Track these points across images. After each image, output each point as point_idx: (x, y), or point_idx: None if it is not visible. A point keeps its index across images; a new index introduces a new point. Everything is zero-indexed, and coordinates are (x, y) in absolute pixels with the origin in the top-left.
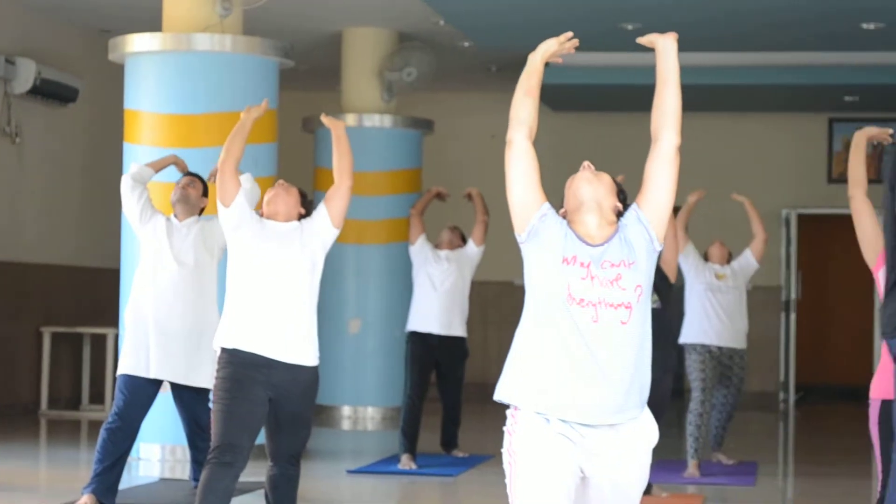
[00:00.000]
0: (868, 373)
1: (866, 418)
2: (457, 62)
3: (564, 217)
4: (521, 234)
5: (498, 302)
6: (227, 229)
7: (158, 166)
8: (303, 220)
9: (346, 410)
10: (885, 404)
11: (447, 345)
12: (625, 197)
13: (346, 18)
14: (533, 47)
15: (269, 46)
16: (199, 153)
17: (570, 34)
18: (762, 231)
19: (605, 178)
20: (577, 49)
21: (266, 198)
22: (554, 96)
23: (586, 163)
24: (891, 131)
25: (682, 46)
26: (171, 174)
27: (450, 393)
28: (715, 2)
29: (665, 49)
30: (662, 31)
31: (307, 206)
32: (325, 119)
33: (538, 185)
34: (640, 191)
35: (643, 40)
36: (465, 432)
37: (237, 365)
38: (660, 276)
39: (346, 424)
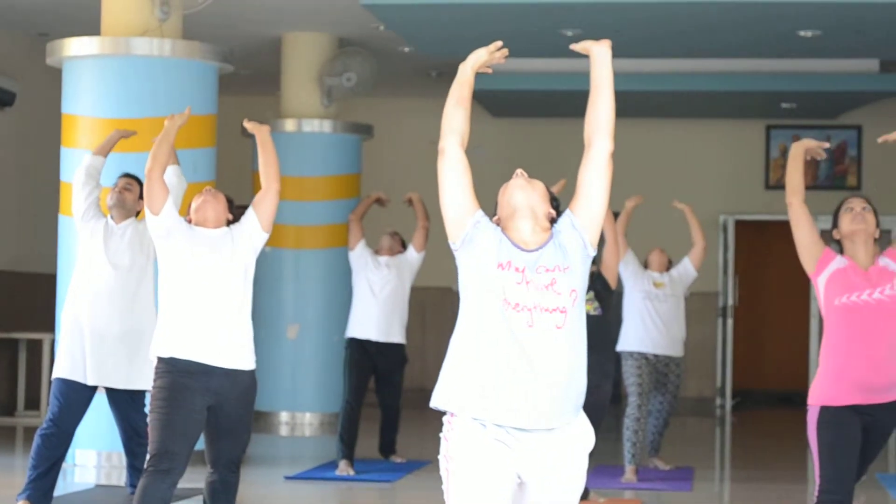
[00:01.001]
0: (804, 378)
1: (802, 423)
2: (397, 67)
3: (498, 224)
4: (455, 242)
5: (437, 308)
6: (156, 237)
7: (105, 150)
8: (232, 226)
9: (284, 416)
10: (824, 410)
11: (386, 351)
12: (558, 204)
13: (285, 23)
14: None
15: (208, 51)
16: (137, 158)
17: (499, 43)
18: (702, 239)
19: (539, 185)
20: (518, 55)
21: (194, 205)
22: (494, 102)
23: (519, 170)
24: (826, 145)
25: (620, 53)
26: (107, 179)
27: (388, 399)
28: (653, 9)
29: (599, 56)
30: (601, 37)
31: (234, 212)
32: (247, 124)
33: (471, 192)
34: (573, 197)
35: (577, 47)
36: (403, 438)
37: (174, 373)
38: (601, 282)
39: (283, 430)
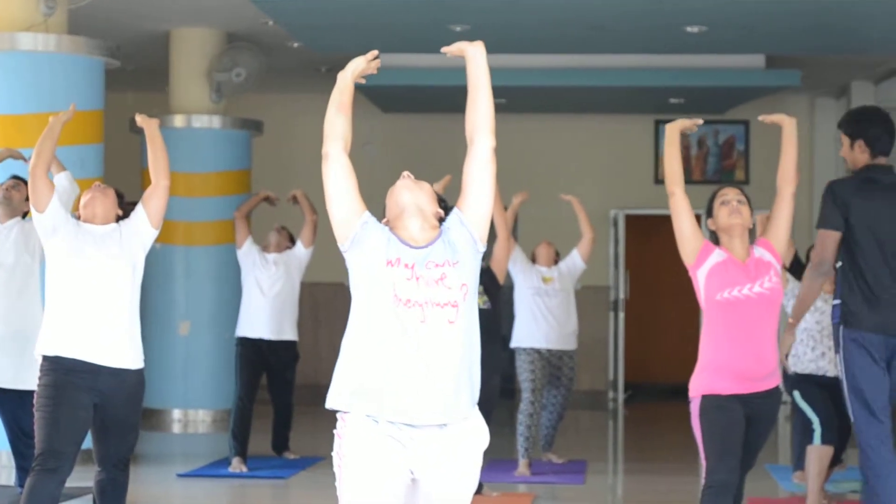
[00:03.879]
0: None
1: (689, 415)
2: (286, 63)
3: (387, 225)
4: (343, 244)
5: (329, 303)
6: (43, 235)
7: None
8: (121, 222)
9: (177, 413)
10: (705, 398)
11: (277, 349)
12: (445, 205)
13: (173, 18)
14: (363, 47)
15: (94, 46)
16: (23, 154)
17: (376, 52)
18: (590, 230)
19: (426, 186)
20: (407, 50)
21: (83, 201)
22: (383, 97)
23: (406, 172)
24: (700, 121)
25: (510, 48)
26: None
27: (280, 396)
28: (541, 4)
29: (474, 57)
30: (490, 32)
31: (125, 208)
32: (138, 118)
33: (357, 194)
34: (460, 195)
35: (450, 50)
36: (296, 434)
37: (60, 371)
38: (489, 276)
39: (176, 427)
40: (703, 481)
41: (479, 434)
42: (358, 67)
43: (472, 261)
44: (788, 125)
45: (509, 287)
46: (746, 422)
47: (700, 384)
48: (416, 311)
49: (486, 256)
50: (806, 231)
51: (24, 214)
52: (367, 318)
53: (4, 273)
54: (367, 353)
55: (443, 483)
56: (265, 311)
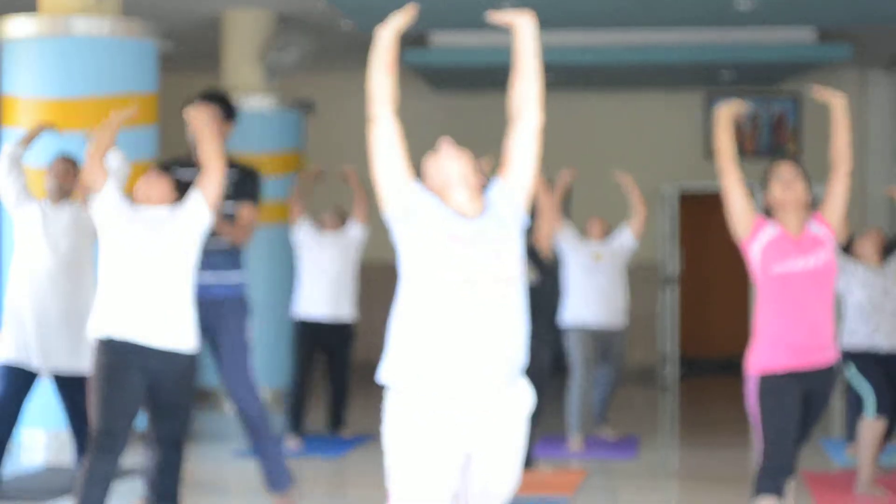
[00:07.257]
0: (747, 346)
1: (745, 391)
2: (338, 43)
3: None
4: (393, 211)
5: (383, 282)
6: (98, 217)
7: (28, 140)
8: (176, 205)
9: None
10: (763, 379)
11: (336, 329)
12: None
13: (225, 0)
14: (413, 26)
15: (147, 29)
16: (78, 137)
17: (415, 5)
18: (642, 208)
19: (466, 155)
20: (457, 27)
21: (139, 184)
22: (435, 76)
23: (446, 138)
24: (746, 106)
25: (559, 24)
26: (47, 157)
27: (337, 376)
28: None
29: (523, 28)
30: (539, 8)
31: (181, 191)
32: (189, 115)
33: (405, 160)
34: (502, 168)
35: (498, 18)
36: (350, 412)
37: (112, 353)
38: (533, 252)
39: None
40: (757, 458)
41: (525, 398)
42: (399, 23)
43: (520, 235)
44: (837, 104)
45: (559, 265)
46: (802, 398)
47: (757, 360)
48: (472, 286)
49: (530, 233)
50: (858, 207)
51: (73, 194)
52: (420, 291)
53: (59, 258)
54: (420, 327)
55: (496, 453)
56: (323, 291)
